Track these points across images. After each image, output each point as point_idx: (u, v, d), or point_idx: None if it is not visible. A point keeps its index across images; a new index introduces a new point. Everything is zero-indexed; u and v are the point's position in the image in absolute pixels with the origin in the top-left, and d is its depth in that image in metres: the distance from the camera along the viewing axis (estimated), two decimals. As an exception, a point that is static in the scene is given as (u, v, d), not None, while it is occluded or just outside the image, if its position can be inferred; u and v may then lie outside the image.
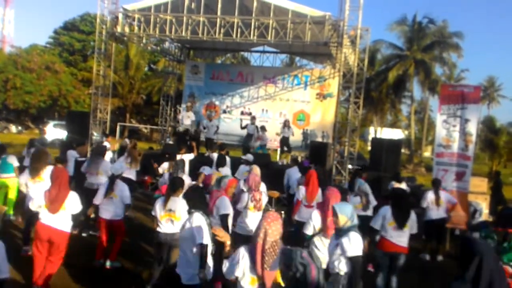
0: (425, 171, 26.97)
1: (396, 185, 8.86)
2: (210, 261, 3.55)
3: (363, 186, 6.63)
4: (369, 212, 6.39)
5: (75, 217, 4.60)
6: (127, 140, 11.29)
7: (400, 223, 4.77)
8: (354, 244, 3.29)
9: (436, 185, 7.27)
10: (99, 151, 7.28)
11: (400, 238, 4.81)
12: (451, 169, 7.92)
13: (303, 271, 2.61)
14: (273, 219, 2.63)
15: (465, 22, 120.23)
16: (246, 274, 2.64)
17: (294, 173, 8.32)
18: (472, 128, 7.75)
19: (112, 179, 5.50)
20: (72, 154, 8.21)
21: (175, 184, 4.68)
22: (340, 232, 3.36)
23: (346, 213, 3.37)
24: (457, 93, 7.95)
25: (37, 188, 5.11)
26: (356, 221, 3.42)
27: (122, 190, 5.42)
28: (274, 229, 2.59)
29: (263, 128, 12.73)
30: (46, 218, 4.31)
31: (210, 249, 3.50)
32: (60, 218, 4.33)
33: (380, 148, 11.80)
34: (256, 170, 5.97)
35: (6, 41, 59.18)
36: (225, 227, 4.22)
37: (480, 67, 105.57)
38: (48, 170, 5.16)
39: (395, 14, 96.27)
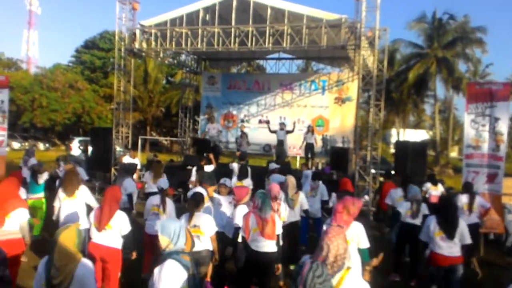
0: (452, 172, 26.12)
1: (432, 188, 8.49)
2: None
3: (416, 192, 6.01)
4: (417, 222, 5.89)
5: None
6: (152, 155, 11.44)
7: (449, 233, 4.42)
8: (168, 281, 2.58)
9: (469, 189, 6.81)
10: (127, 169, 7.28)
11: (451, 249, 4.47)
12: (482, 171, 7.52)
13: None
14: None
15: (488, 15, 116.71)
16: None
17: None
18: (503, 127, 7.35)
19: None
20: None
21: (197, 199, 4.63)
22: (160, 258, 2.71)
23: (168, 233, 2.68)
24: (485, 91, 7.58)
25: (68, 206, 5.13)
26: (180, 244, 2.70)
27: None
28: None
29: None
30: (96, 236, 4.35)
31: None
32: (108, 236, 4.34)
33: (405, 151, 11.36)
34: (291, 179, 6.02)
35: (32, 62, 61.58)
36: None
37: (507, 60, 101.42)
38: (81, 189, 5.17)
39: (412, 12, 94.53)
